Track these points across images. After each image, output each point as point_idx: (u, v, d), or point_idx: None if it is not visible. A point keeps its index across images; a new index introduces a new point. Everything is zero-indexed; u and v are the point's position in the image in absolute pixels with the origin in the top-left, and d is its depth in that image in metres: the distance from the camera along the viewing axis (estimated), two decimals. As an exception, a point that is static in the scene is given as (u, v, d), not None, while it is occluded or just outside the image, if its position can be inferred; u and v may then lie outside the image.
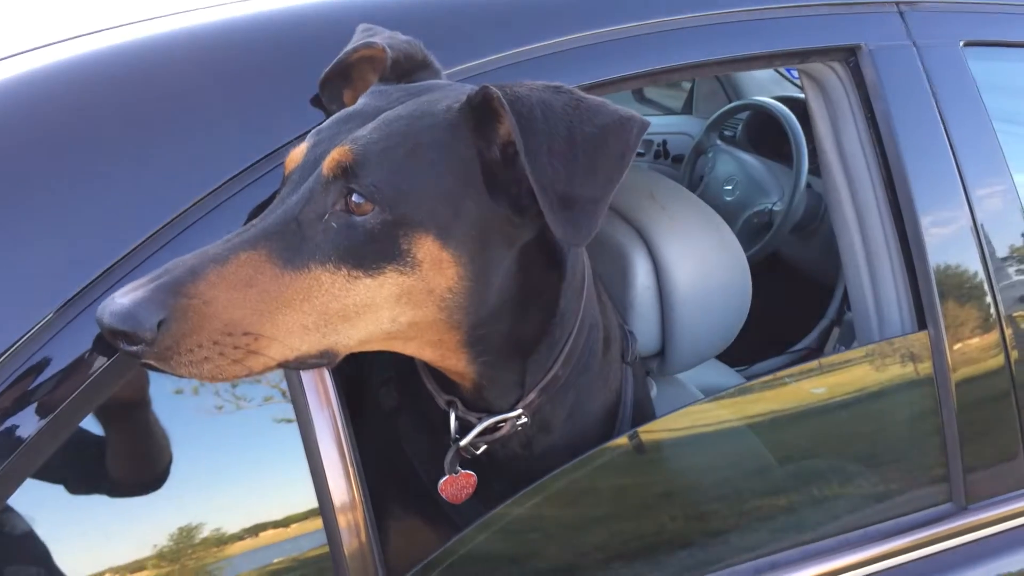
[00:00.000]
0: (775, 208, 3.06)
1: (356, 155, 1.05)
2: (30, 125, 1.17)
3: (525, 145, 1.01)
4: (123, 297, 0.94)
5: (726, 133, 3.45)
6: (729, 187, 3.23)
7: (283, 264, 1.02)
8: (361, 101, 1.17)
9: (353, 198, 1.04)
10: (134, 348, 0.95)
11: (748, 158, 3.26)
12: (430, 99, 1.14)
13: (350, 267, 1.04)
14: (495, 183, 1.10)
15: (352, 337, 1.07)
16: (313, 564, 1.15)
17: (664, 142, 3.92)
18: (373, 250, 1.05)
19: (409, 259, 1.06)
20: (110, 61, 1.25)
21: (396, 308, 1.08)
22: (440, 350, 1.19)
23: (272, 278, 1.01)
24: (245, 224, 1.12)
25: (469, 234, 1.09)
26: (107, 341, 0.98)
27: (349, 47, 1.21)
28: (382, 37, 1.22)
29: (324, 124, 1.13)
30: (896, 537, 1.43)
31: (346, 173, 1.04)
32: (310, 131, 1.14)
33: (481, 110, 1.09)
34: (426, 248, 1.06)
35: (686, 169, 3.50)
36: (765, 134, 3.24)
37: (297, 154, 1.11)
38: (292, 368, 1.08)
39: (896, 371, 1.50)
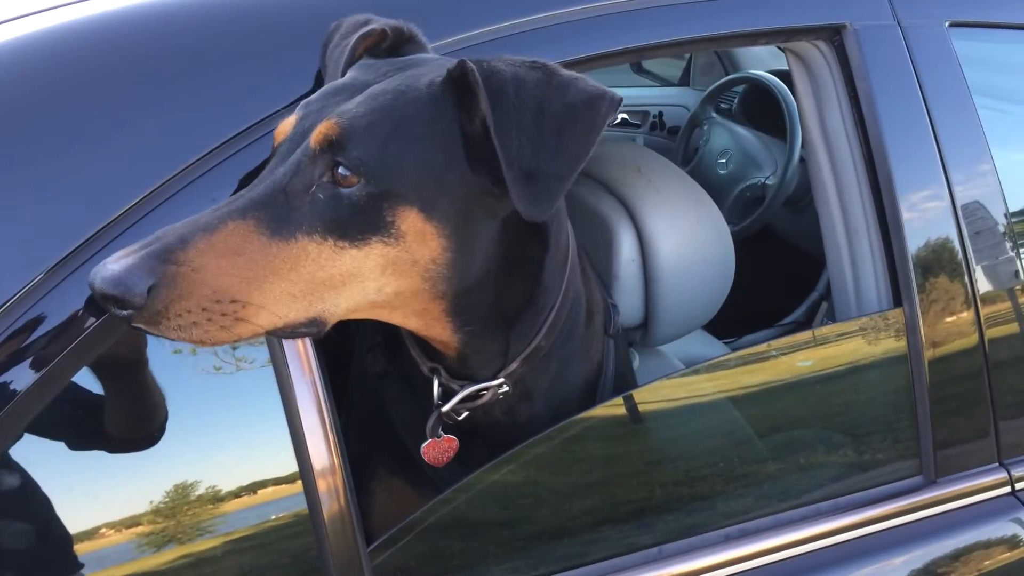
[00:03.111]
0: (768, 182, 3.07)
1: (343, 128, 1.07)
2: (24, 88, 1.19)
3: (495, 121, 1.04)
4: (114, 263, 0.97)
5: (722, 106, 3.45)
6: (723, 160, 3.24)
7: (271, 234, 1.04)
8: (349, 75, 1.19)
9: (339, 170, 1.07)
10: (124, 312, 0.97)
11: (743, 131, 3.26)
12: (415, 73, 1.16)
13: (336, 238, 1.07)
14: (477, 156, 1.12)
15: (339, 305, 1.10)
16: (293, 526, 1.18)
17: (660, 113, 3.92)
18: (359, 222, 1.07)
19: (394, 231, 1.09)
20: (93, 30, 1.27)
21: (382, 278, 1.11)
22: (425, 319, 1.22)
23: (260, 247, 1.04)
24: (235, 193, 1.14)
25: (452, 206, 1.12)
26: (98, 304, 1.01)
27: (351, 44, 1.21)
28: (377, 23, 1.23)
29: (312, 97, 1.15)
30: (865, 508, 1.47)
31: (332, 146, 1.07)
32: (298, 101, 1.16)
33: (461, 84, 1.11)
34: (410, 220, 1.09)
35: (681, 141, 3.50)
36: (761, 108, 3.24)
37: (286, 126, 1.13)
38: (283, 336, 1.10)
39: (871, 347, 1.53)
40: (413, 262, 1.11)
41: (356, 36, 1.21)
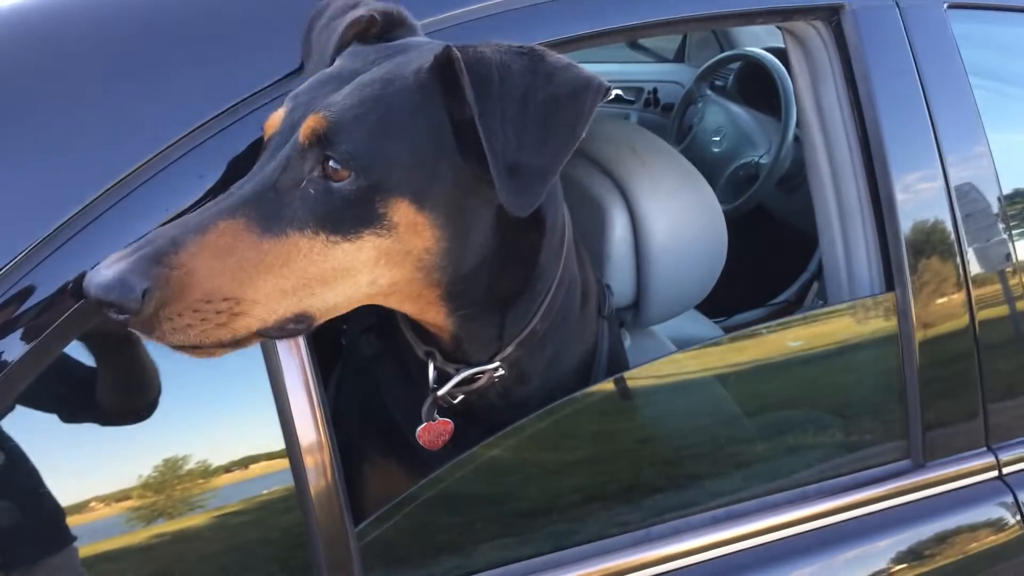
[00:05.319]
0: (762, 161, 3.07)
1: (331, 122, 1.06)
2: (12, 55, 1.18)
3: (479, 110, 1.02)
4: (107, 269, 0.96)
5: (717, 83, 3.43)
6: (717, 138, 3.23)
7: (262, 231, 1.03)
8: (338, 63, 1.17)
9: (330, 164, 1.05)
10: (122, 317, 0.97)
11: (737, 109, 3.25)
12: (402, 61, 1.14)
13: (328, 232, 1.06)
14: (468, 143, 1.10)
15: (329, 300, 1.09)
16: (281, 502, 1.18)
17: (654, 90, 3.90)
18: (350, 215, 1.06)
19: (386, 223, 1.07)
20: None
21: (375, 270, 1.10)
22: (419, 303, 1.21)
23: (251, 245, 1.03)
24: (222, 176, 1.13)
25: (445, 196, 1.11)
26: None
27: (340, 30, 1.19)
28: (365, 8, 1.21)
29: (301, 88, 1.14)
30: (853, 491, 1.47)
31: (321, 141, 1.05)
32: (287, 77, 1.14)
33: (448, 71, 1.09)
34: (402, 212, 1.08)
35: (675, 119, 3.49)
36: (756, 86, 3.23)
37: (275, 119, 1.11)
38: (271, 336, 1.09)
39: (862, 331, 1.53)
40: (406, 253, 1.10)
41: (345, 21, 1.19)
